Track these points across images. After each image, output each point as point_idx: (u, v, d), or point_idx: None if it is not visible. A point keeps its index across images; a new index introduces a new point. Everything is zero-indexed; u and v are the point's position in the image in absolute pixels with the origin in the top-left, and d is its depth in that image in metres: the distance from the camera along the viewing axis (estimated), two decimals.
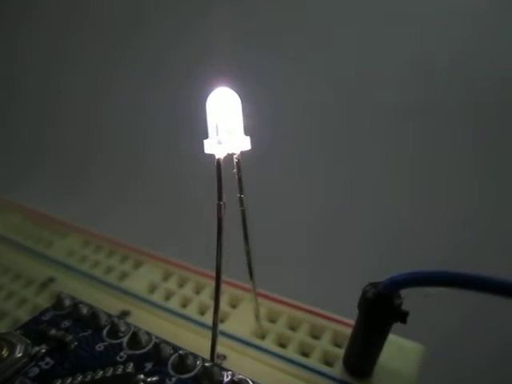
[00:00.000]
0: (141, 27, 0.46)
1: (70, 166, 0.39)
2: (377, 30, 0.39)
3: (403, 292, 0.13)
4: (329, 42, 0.39)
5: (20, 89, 0.47)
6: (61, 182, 0.37)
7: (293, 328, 0.18)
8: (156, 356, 0.14)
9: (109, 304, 0.18)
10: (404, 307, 0.13)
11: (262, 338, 0.17)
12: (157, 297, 0.19)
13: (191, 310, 0.18)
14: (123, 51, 0.45)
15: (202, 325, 0.18)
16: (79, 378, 0.14)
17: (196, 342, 0.16)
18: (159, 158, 0.37)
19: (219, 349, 0.16)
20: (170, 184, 0.34)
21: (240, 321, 0.18)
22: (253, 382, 0.13)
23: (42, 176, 0.37)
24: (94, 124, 0.41)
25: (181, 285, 0.20)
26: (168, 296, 0.19)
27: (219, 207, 0.13)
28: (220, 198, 0.13)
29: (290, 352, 0.16)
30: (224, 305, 0.19)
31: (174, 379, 0.13)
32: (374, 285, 0.13)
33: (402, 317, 0.13)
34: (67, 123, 0.42)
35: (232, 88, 0.14)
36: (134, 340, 0.15)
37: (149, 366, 0.14)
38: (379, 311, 0.13)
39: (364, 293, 0.13)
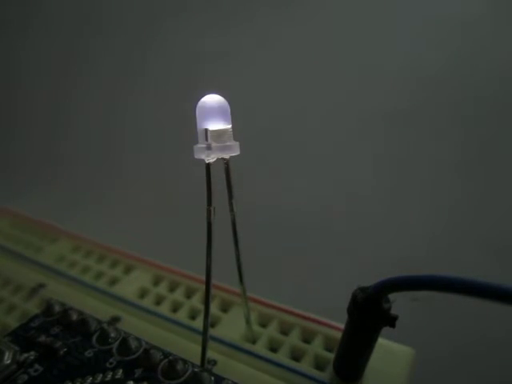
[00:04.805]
0: (129, 27, 0.46)
1: (60, 168, 0.38)
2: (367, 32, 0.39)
3: (392, 296, 0.13)
4: (317, 45, 0.39)
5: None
6: (50, 187, 0.36)
7: (284, 332, 0.18)
8: (146, 362, 0.14)
9: (99, 310, 0.18)
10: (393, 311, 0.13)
11: (253, 342, 0.17)
12: (147, 302, 0.19)
13: (182, 315, 0.18)
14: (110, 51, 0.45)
15: (193, 330, 0.18)
16: None
17: (186, 347, 0.16)
18: (152, 162, 0.37)
19: (210, 354, 0.16)
20: (161, 188, 0.34)
21: (231, 325, 0.18)
22: None
23: (32, 181, 0.37)
24: (79, 124, 0.41)
25: (171, 289, 0.20)
26: (158, 301, 0.19)
27: (209, 212, 0.13)
28: (209, 202, 0.13)
29: (281, 357, 0.16)
30: (215, 309, 0.19)
31: None
32: (362, 289, 0.13)
33: (391, 321, 0.13)
34: (52, 124, 0.42)
35: (221, 93, 0.14)
36: (124, 346, 0.15)
37: (138, 372, 0.14)
38: (368, 315, 0.13)
39: (353, 297, 0.13)
